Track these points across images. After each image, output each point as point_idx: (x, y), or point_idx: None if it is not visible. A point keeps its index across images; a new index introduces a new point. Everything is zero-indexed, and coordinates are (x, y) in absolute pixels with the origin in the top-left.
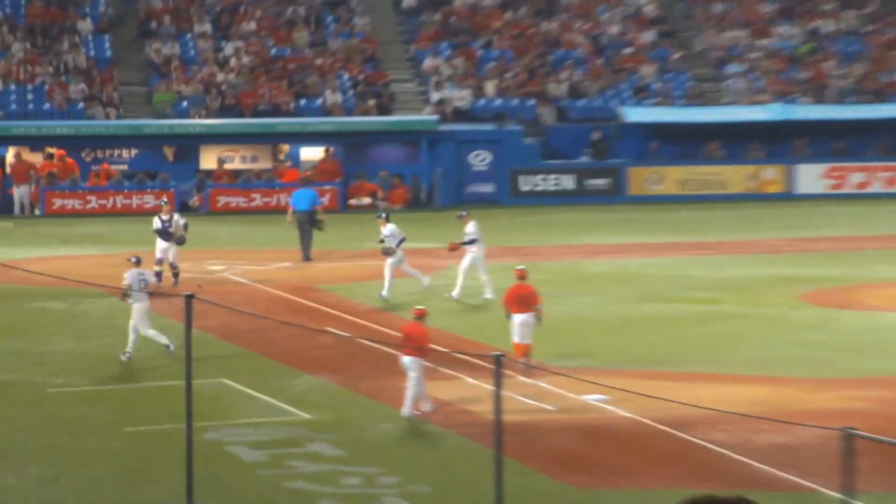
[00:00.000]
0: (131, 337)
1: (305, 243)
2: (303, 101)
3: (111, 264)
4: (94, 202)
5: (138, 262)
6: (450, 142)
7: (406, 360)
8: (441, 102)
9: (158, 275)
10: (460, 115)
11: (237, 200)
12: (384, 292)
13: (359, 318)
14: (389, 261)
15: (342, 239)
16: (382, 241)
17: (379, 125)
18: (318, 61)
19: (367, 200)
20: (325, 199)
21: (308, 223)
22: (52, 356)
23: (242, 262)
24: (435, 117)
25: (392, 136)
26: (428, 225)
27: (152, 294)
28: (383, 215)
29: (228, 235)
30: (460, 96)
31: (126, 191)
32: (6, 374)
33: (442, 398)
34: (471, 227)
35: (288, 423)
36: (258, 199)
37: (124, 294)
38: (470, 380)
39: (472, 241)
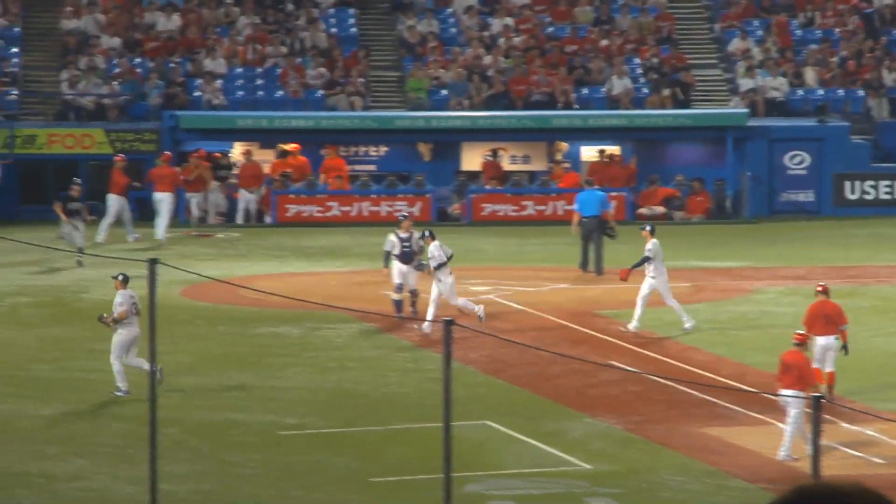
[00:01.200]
0: (133, 363)
1: (595, 255)
2: (584, 91)
3: (356, 282)
4: (335, 209)
5: (125, 281)
6: (761, 140)
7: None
8: (751, 92)
9: (399, 304)
10: (774, 107)
11: (505, 209)
12: (425, 325)
13: (649, 350)
14: (434, 291)
15: (630, 254)
16: (422, 265)
17: (676, 119)
18: (604, 42)
19: (660, 210)
20: (612, 206)
21: (598, 231)
22: (284, 392)
23: (511, 282)
24: (744, 110)
25: (691, 133)
26: (734, 240)
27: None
28: (427, 233)
29: (495, 250)
30: (774, 85)
31: (374, 196)
32: (230, 413)
33: (742, 445)
34: (650, 245)
35: (564, 474)
36: (530, 208)
37: (112, 319)
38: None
39: (645, 261)
